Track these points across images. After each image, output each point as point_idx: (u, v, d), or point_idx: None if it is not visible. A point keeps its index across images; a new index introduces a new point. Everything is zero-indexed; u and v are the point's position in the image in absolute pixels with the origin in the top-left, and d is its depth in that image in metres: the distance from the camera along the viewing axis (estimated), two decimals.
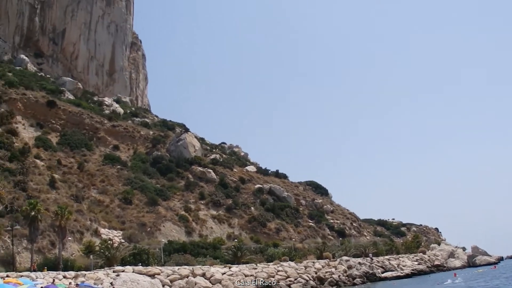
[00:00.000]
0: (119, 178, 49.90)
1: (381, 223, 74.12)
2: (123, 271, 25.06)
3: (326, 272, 34.08)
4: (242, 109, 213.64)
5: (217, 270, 28.82)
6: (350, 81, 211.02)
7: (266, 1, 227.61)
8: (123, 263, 28.39)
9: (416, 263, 45.09)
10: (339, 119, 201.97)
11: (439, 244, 59.43)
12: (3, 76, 56.55)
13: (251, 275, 29.50)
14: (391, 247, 49.79)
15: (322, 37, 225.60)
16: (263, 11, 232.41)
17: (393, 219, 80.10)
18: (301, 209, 59.04)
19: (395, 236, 67.97)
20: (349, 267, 36.07)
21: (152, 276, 25.51)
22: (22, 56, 71.73)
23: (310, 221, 56.39)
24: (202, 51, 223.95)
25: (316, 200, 64.22)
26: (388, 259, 42.62)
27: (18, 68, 66.02)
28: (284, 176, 69.34)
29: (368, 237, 60.43)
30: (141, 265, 27.80)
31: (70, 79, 73.90)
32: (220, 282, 27.59)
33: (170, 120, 74.89)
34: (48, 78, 69.78)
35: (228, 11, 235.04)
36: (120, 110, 71.91)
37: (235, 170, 62.79)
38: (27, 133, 51.47)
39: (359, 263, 37.48)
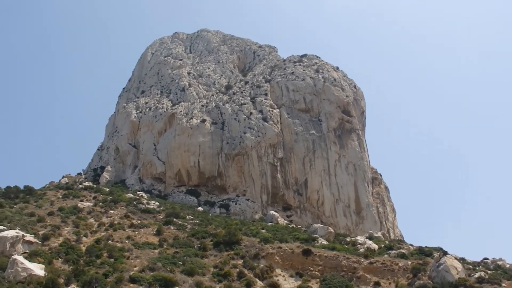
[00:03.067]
0: None
1: None
2: None
3: None
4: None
5: None
6: None
7: None
8: None
9: None
10: None
11: None
12: (258, 233, 63.19)
13: None
14: None
15: None
16: None
17: None
18: None
19: None
20: None
21: None
22: (272, 212, 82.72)
23: None
24: None
25: None
26: None
27: (270, 224, 75.63)
28: None
29: None
30: None
31: (320, 225, 80.00)
32: None
33: (426, 246, 72.58)
34: (300, 228, 76.96)
35: None
36: (374, 246, 73.43)
37: (503, 285, 55.48)
38: (288, 284, 56.95)
39: None
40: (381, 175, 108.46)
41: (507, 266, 70.50)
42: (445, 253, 63.23)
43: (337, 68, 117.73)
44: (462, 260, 66.34)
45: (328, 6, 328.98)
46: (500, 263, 72.17)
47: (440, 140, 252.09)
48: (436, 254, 64.56)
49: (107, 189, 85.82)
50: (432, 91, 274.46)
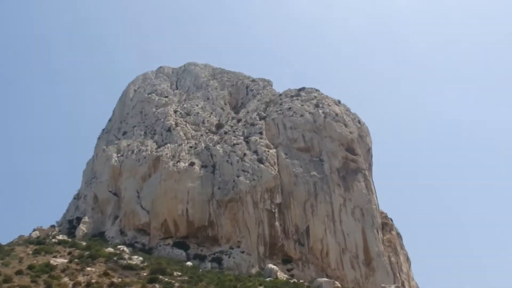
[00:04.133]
0: None
1: None
2: None
3: None
4: None
5: None
6: None
7: None
8: None
9: None
10: None
11: None
12: None
13: None
14: None
15: None
16: None
17: None
18: None
19: None
20: None
21: None
22: (270, 265, 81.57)
23: None
24: None
25: None
26: None
27: (268, 279, 74.65)
28: None
29: None
30: None
31: (326, 279, 79.04)
32: None
33: None
34: (302, 284, 76.11)
35: None
36: None
37: None
38: None
39: None
40: (392, 220, 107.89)
41: None
42: None
43: (339, 101, 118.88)
44: None
45: (327, 35, 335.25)
46: None
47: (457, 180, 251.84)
48: None
49: (84, 243, 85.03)
50: (445, 125, 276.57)
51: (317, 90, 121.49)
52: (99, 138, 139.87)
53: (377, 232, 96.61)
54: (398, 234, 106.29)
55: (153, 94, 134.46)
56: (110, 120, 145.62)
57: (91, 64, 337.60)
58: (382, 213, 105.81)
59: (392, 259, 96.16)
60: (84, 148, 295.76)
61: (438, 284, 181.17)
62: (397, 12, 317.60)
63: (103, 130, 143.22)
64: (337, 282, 79.36)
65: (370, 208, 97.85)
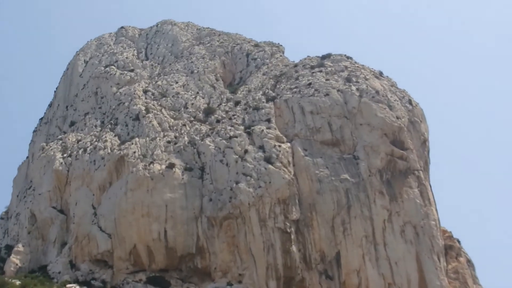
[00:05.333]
0: None
1: None
2: None
3: None
4: None
5: None
6: None
7: None
8: None
9: None
10: None
11: None
12: None
13: None
14: None
15: None
16: None
17: None
18: None
19: None
20: None
21: None
22: None
23: None
24: None
25: None
26: None
27: None
28: None
29: None
30: None
31: None
32: None
33: None
34: None
35: None
36: None
37: None
38: None
39: None
40: (459, 242, 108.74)
41: None
42: None
43: (381, 73, 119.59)
44: None
45: None
46: None
47: None
48: None
49: (18, 283, 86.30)
50: None
51: (348, 58, 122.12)
52: (35, 131, 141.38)
53: (438, 259, 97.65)
54: (469, 261, 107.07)
55: (113, 66, 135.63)
56: (50, 105, 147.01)
57: (21, 24, 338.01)
58: (445, 232, 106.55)
59: None
60: (13, 148, 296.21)
61: None
62: None
63: (41, 120, 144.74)
64: None
65: (427, 225, 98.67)
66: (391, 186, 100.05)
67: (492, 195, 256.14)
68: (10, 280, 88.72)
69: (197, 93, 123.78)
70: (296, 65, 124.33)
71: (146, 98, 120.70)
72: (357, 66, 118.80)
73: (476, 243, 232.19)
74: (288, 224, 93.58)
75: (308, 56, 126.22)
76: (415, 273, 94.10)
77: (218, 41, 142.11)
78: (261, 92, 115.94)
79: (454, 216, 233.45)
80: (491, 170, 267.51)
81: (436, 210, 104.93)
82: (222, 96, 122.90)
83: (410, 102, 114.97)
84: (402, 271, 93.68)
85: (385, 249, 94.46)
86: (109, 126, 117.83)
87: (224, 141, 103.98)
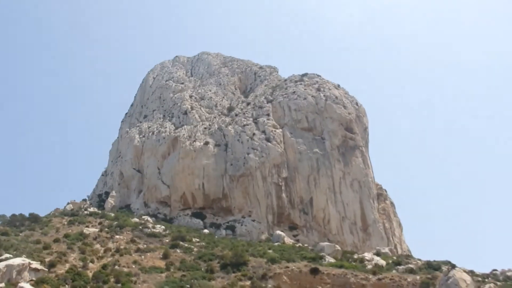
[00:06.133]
0: None
1: None
2: None
3: None
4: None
5: None
6: None
7: None
8: None
9: None
10: None
11: None
12: (265, 254, 63.09)
13: None
14: None
15: None
16: None
17: None
18: None
19: None
20: None
21: None
22: (278, 232, 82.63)
23: None
24: None
25: None
26: None
27: (276, 244, 75.55)
28: None
29: None
30: None
31: (327, 243, 79.56)
32: None
33: (434, 260, 72.19)
34: (306, 248, 76.68)
35: None
36: (382, 262, 72.96)
37: None
38: None
39: None
40: (386, 191, 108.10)
41: None
42: (453, 266, 62.76)
43: (338, 85, 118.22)
44: (471, 273, 65.82)
45: (327, 24, 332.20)
46: (509, 274, 71.37)
47: (445, 152, 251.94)
48: (444, 268, 64.08)
49: (113, 215, 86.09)
50: (434, 103, 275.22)
51: (318, 76, 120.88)
52: (122, 121, 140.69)
53: (373, 201, 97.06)
54: (392, 203, 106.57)
55: (171, 81, 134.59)
56: (132, 105, 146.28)
57: (116, 56, 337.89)
58: (377, 185, 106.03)
59: (386, 225, 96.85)
60: (109, 131, 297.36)
61: (428, 247, 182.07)
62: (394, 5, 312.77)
63: (126, 114, 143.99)
64: (337, 246, 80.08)
65: (366, 180, 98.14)
66: (344, 157, 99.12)
67: (409, 162, 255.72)
68: (108, 212, 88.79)
69: (223, 97, 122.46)
70: (285, 80, 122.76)
71: (191, 100, 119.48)
72: (324, 81, 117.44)
73: (397, 191, 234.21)
74: (280, 180, 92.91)
75: (293, 74, 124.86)
76: (358, 210, 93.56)
77: (236, 65, 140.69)
78: (263, 97, 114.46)
79: (383, 175, 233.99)
80: (408, 145, 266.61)
81: (372, 171, 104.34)
82: (238, 99, 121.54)
83: (356, 103, 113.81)
84: (351, 209, 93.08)
85: (340, 196, 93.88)
86: (168, 118, 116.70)
87: (240, 127, 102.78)
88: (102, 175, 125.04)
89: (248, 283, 49.10)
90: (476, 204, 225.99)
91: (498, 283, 64.73)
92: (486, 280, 64.93)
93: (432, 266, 69.27)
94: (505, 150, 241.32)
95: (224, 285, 46.77)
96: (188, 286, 44.02)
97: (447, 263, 68.17)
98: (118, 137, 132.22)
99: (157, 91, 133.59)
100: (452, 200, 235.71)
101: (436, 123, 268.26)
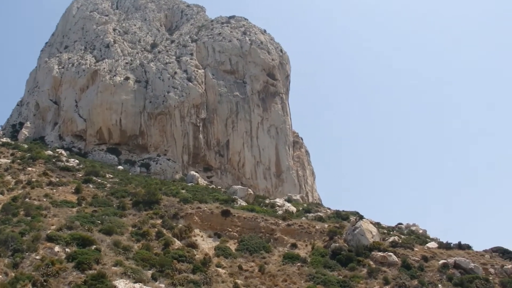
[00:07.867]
0: (300, 275, 49.12)
1: None
2: None
3: None
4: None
5: None
6: None
7: None
8: None
9: None
10: None
11: None
12: (177, 193, 61.65)
13: None
14: None
15: None
16: None
17: None
18: (491, 278, 50.32)
19: None
20: None
21: None
22: (192, 172, 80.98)
23: None
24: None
25: (505, 266, 54.21)
26: None
27: (190, 184, 74.04)
28: (468, 247, 60.58)
29: None
30: None
31: (240, 186, 78.98)
32: None
33: (343, 210, 73.73)
34: (220, 190, 75.88)
35: None
36: (293, 208, 73.38)
37: (416, 249, 57.32)
38: (206, 244, 55.41)
39: None
40: (302, 139, 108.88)
41: (420, 231, 72.88)
42: (361, 217, 64.00)
43: (265, 31, 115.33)
44: (377, 225, 67.77)
45: None
46: (413, 228, 74.58)
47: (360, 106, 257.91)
48: (352, 218, 65.43)
49: (26, 146, 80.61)
50: (358, 58, 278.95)
51: (245, 19, 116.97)
52: (42, 50, 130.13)
53: (288, 148, 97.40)
54: (307, 151, 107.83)
55: (95, 12, 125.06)
56: (53, 34, 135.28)
57: None
58: (294, 132, 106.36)
59: (300, 172, 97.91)
60: (27, 60, 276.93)
61: (338, 198, 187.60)
62: None
63: (46, 43, 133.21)
64: (250, 190, 79.83)
65: (284, 127, 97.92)
66: (264, 102, 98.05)
67: (328, 114, 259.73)
68: (21, 144, 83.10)
69: (147, 33, 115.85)
70: (212, 21, 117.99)
71: (114, 34, 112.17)
72: (251, 25, 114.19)
73: (313, 140, 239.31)
74: (198, 120, 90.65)
75: (220, 16, 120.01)
76: (274, 156, 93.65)
77: (163, 1, 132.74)
78: (188, 36, 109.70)
79: (301, 123, 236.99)
80: (328, 94, 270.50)
81: (290, 119, 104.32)
82: (163, 36, 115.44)
83: (281, 50, 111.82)
84: (266, 154, 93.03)
85: (257, 141, 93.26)
86: (89, 50, 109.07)
87: (162, 65, 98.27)
88: (18, 105, 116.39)
89: (159, 221, 47.98)
90: (389, 161, 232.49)
91: (402, 236, 67.14)
92: (391, 232, 67.09)
93: (340, 216, 70.40)
94: (415, 100, 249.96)
95: (135, 222, 45.51)
96: (99, 222, 42.26)
97: (355, 213, 69.68)
98: (36, 67, 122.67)
99: (80, 22, 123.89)
100: (366, 155, 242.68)
101: (355, 78, 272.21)
